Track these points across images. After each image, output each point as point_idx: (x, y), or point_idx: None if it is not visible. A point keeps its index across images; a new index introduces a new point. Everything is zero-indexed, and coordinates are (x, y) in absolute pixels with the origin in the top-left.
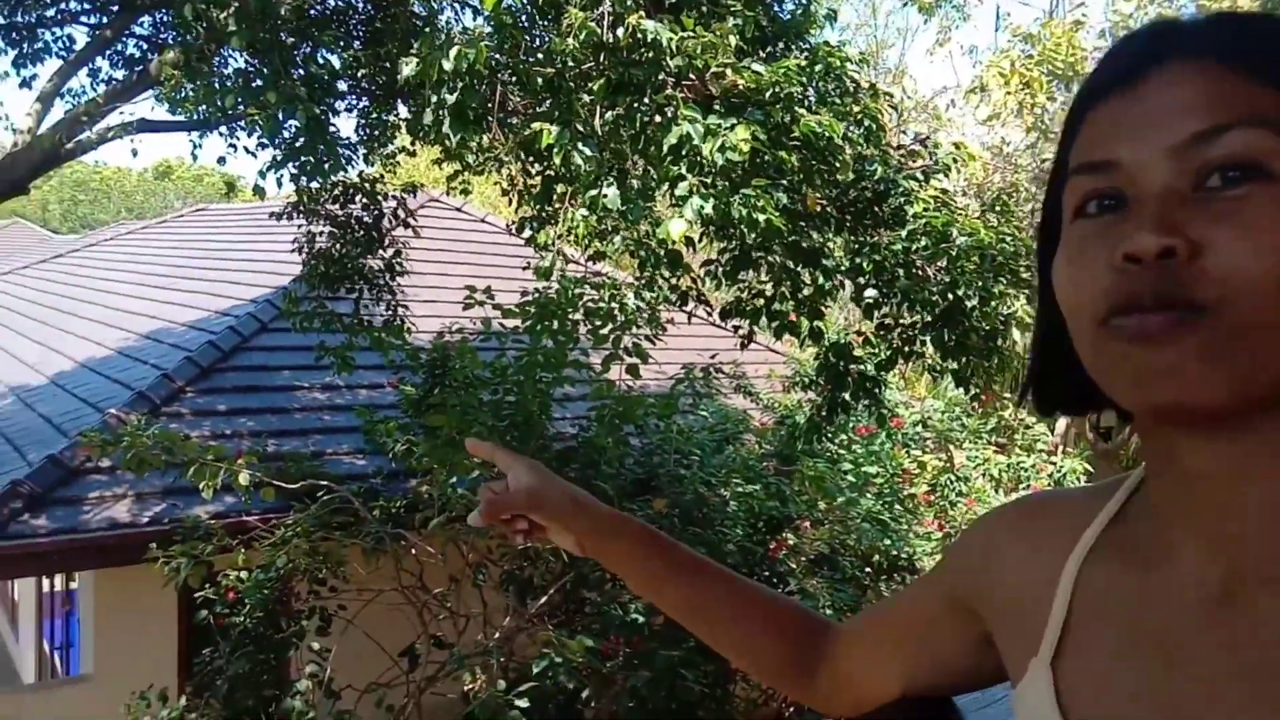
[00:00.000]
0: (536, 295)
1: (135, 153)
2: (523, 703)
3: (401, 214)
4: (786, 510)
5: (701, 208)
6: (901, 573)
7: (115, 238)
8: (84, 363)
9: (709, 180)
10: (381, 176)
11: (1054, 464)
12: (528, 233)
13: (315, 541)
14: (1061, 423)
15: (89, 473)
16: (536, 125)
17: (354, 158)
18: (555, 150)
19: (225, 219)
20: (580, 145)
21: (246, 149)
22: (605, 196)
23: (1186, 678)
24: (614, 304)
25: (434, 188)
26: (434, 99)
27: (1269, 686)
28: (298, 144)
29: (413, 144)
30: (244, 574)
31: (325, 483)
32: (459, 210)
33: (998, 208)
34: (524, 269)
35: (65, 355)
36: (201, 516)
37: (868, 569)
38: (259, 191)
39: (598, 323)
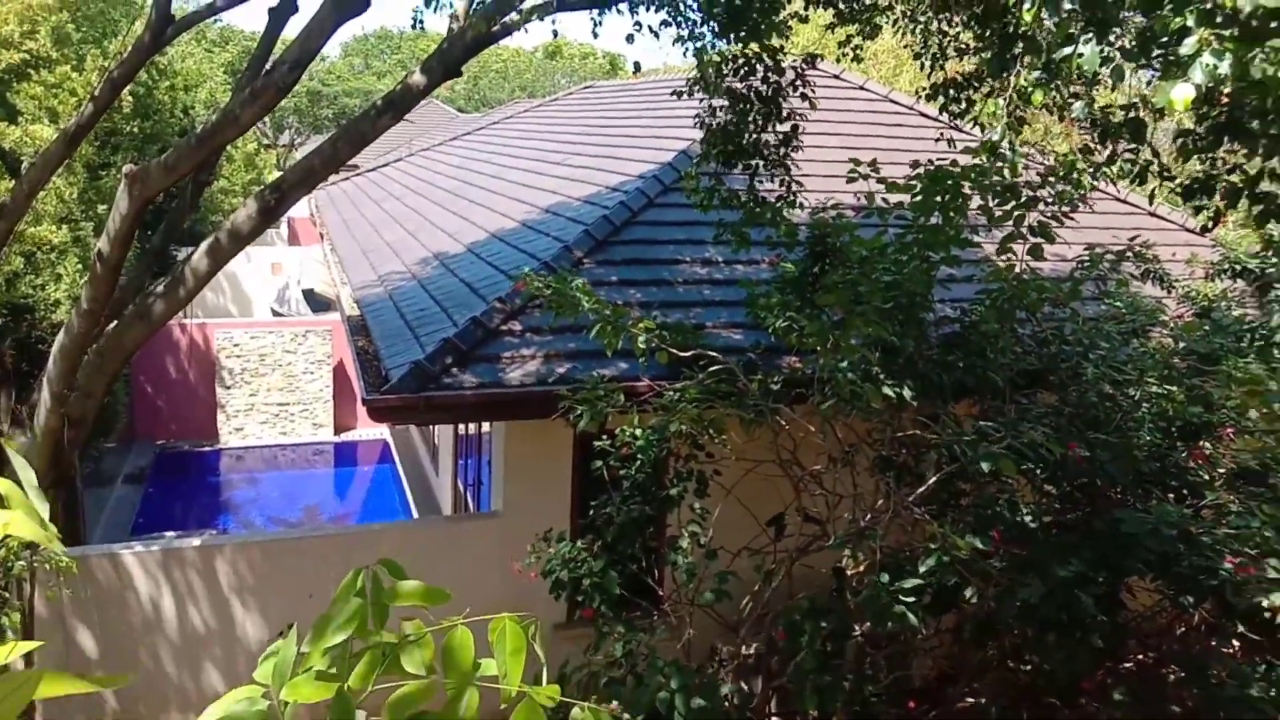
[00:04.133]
0: (926, 168)
1: (555, 33)
2: (909, 598)
3: (799, 85)
4: (1209, 417)
5: (1214, 67)
6: None
7: (513, 115)
8: (494, 233)
9: (1225, 33)
10: (782, 47)
11: None
12: (941, 100)
13: (701, 408)
14: None
15: (505, 335)
16: None
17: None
18: (1028, 5)
19: (610, 95)
20: None
21: (650, 28)
22: (1080, 56)
23: None
24: (1053, 180)
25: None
26: None
27: None
28: (736, 10)
29: (805, 8)
30: (638, 431)
31: (711, 354)
32: (836, 78)
33: None
34: (937, 140)
35: (477, 226)
36: (600, 378)
37: None
38: (637, 68)
39: (996, 199)
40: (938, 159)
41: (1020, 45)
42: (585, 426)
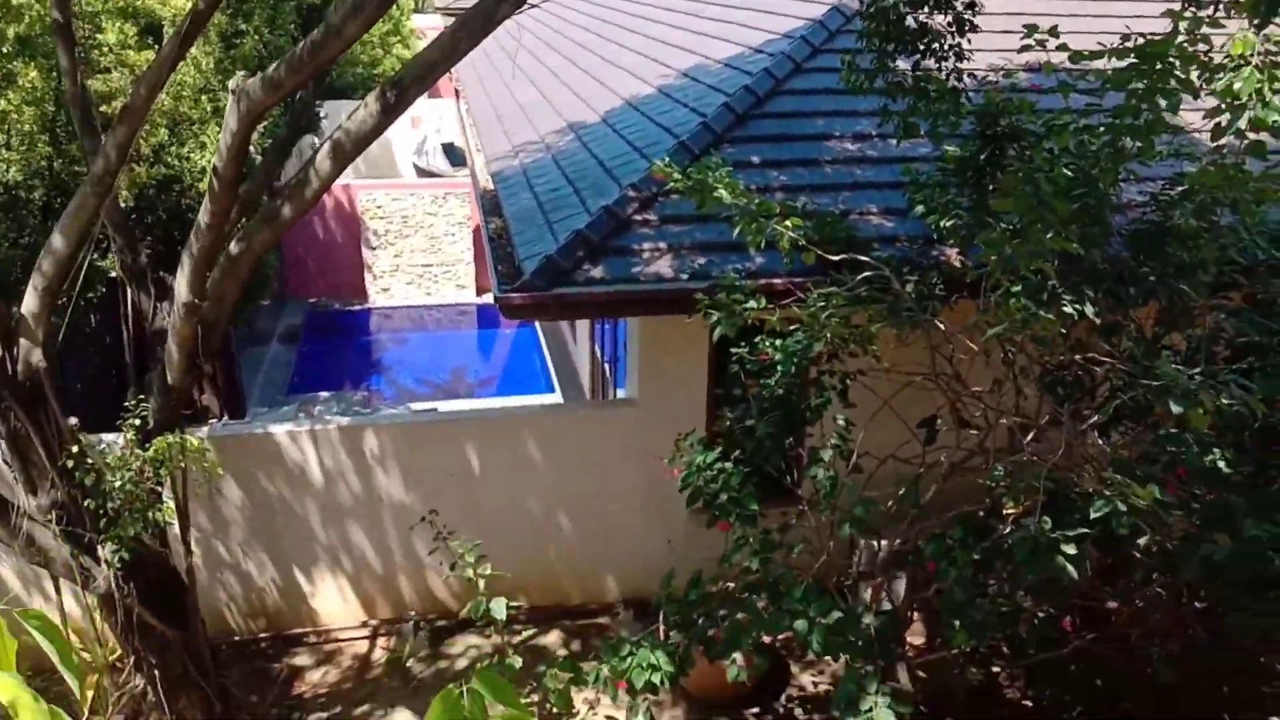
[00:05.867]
0: (1138, 40)
1: None
2: (1069, 549)
3: None
4: None
5: None
6: None
7: None
8: (628, 100)
9: None
10: None
11: None
12: None
13: (848, 315)
14: None
15: (639, 225)
16: None
17: None
18: None
19: None
20: None
21: None
22: None
23: None
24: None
25: None
26: None
27: None
28: None
29: None
30: (777, 342)
31: (863, 259)
32: None
33: None
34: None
35: (611, 90)
36: (738, 277)
37: None
38: None
39: (1237, 85)
40: (1133, 19)
41: None
42: (722, 332)
